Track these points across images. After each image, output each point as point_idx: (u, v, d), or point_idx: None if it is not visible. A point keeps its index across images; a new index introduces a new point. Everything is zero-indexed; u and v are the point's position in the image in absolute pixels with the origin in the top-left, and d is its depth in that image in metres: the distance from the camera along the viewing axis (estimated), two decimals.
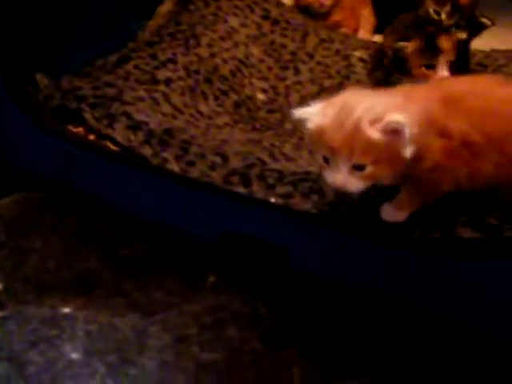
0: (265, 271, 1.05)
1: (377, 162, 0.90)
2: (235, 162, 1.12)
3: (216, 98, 1.34)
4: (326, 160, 0.91)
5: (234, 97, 1.34)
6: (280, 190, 1.07)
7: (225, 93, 1.35)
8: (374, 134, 0.89)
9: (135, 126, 1.19)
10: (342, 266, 1.02)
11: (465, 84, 1.03)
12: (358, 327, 0.99)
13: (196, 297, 1.03)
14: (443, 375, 0.95)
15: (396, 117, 0.88)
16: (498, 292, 0.97)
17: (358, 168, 0.90)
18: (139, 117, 1.21)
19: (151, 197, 1.13)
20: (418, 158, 0.92)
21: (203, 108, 1.30)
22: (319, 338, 0.98)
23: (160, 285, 1.04)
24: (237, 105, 1.33)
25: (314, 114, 0.92)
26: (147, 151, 1.15)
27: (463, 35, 1.32)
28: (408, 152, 0.90)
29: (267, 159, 1.13)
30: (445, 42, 1.26)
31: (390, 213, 1.01)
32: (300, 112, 0.94)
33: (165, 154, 1.15)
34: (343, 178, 0.91)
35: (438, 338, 0.98)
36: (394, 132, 0.88)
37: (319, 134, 0.91)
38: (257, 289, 1.04)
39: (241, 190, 1.08)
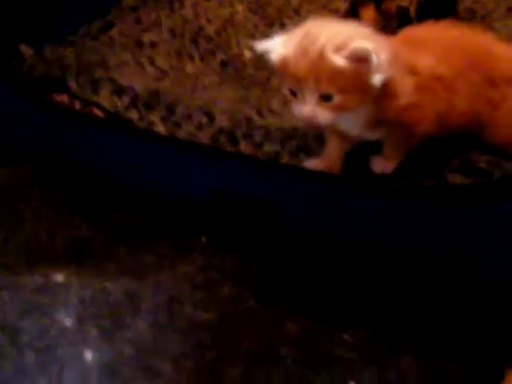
0: (256, 229, 1.04)
1: (344, 90, 0.87)
2: (222, 121, 1.11)
3: (202, 59, 1.32)
4: (293, 93, 0.89)
5: (221, 56, 1.32)
6: (267, 148, 1.06)
7: (211, 52, 1.33)
8: (339, 61, 0.86)
9: (120, 91, 1.17)
10: (333, 219, 1.01)
11: (423, 28, 1.03)
12: (353, 280, 0.98)
13: (188, 258, 1.02)
14: (440, 324, 0.94)
15: (362, 43, 0.86)
16: (491, 236, 0.95)
17: (325, 98, 0.88)
18: (124, 81, 1.19)
19: (139, 161, 1.12)
20: (391, 94, 0.91)
21: (190, 69, 1.29)
22: (314, 292, 0.97)
23: (151, 248, 1.04)
24: (224, 64, 1.30)
25: (276, 46, 0.90)
26: (133, 115, 1.14)
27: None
28: (377, 80, 0.88)
29: (254, 116, 1.11)
30: (366, 13, 1.25)
31: (379, 164, 1.00)
32: (263, 44, 0.91)
33: (151, 117, 1.13)
34: (311, 110, 0.88)
35: (434, 287, 0.96)
36: (361, 59, 0.86)
37: (283, 65, 0.89)
38: (249, 247, 1.03)
39: (228, 149, 1.07)
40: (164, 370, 0.89)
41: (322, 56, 0.86)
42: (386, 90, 0.90)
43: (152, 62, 1.27)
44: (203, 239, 1.05)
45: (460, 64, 0.97)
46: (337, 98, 0.87)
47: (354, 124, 0.95)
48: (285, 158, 1.05)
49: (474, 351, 0.91)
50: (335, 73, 0.86)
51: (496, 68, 0.99)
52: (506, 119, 1.00)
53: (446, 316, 0.94)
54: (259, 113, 1.12)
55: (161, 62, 1.28)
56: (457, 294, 0.96)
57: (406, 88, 0.92)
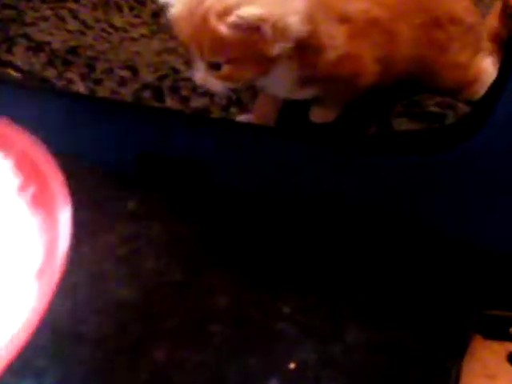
0: (187, 191, 0.94)
1: (233, 60, 0.77)
2: (146, 75, 1.00)
3: (132, 9, 1.20)
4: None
5: (152, 6, 1.20)
6: (195, 103, 0.95)
7: (141, 2, 1.22)
8: (223, 29, 0.75)
9: (36, 48, 1.06)
10: (272, 176, 0.90)
11: None
12: (293, 242, 0.87)
13: (112, 227, 0.91)
14: (390, 290, 0.84)
15: (249, 10, 0.74)
16: (444, 187, 0.85)
17: (213, 67, 0.78)
18: (40, 37, 1.08)
19: (60, 123, 1.01)
20: (317, 49, 0.80)
21: (117, 21, 1.17)
22: (249, 259, 0.87)
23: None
24: (155, 14, 1.19)
25: (175, 1, 0.79)
26: (50, 73, 1.03)
27: None
28: (277, 49, 0.76)
29: (182, 67, 1.00)
30: None
31: (319, 114, 0.90)
32: None
33: (69, 75, 1.02)
34: (201, 77, 0.80)
35: (382, 249, 0.87)
36: (250, 28, 0.74)
37: (174, 24, 0.79)
38: (178, 212, 0.93)
39: (153, 105, 0.97)
40: (83, 354, 0.79)
41: (204, 21, 0.75)
42: (311, 46, 0.79)
43: (74, 16, 1.15)
44: (129, 206, 0.94)
45: (399, 5, 0.86)
46: (225, 68, 0.77)
47: (277, 87, 0.85)
48: (214, 113, 0.94)
49: (429, 318, 0.81)
50: (219, 41, 0.75)
51: (440, 8, 0.89)
52: (454, 62, 0.90)
53: (396, 280, 0.85)
54: (187, 63, 1.01)
55: (85, 14, 1.16)
56: (407, 256, 0.86)
57: (335, 39, 0.81)
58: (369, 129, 0.89)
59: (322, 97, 0.88)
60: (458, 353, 0.79)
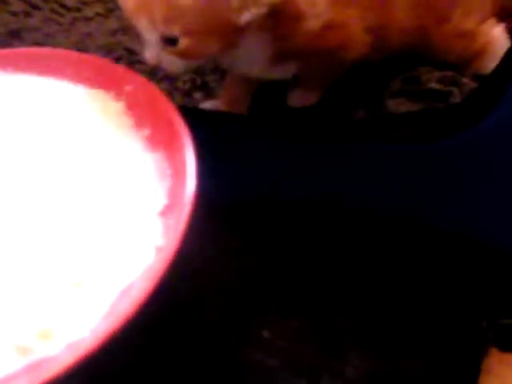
0: None
1: (193, 32, 0.63)
2: None
3: None
4: None
5: None
6: None
7: None
8: None
9: None
10: (241, 170, 0.75)
11: None
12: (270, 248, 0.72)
13: None
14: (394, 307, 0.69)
15: None
16: (452, 180, 0.71)
17: (168, 41, 0.64)
18: None
19: None
20: (294, 18, 0.66)
21: (69, 0, 1.02)
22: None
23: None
24: None
25: None
26: None
27: None
28: (245, 17, 0.62)
29: (138, 48, 0.86)
30: None
31: (298, 97, 0.76)
32: None
33: None
34: (153, 56, 0.65)
35: (383, 258, 0.71)
36: None
37: None
38: None
39: None
40: None
41: None
42: (287, 14, 0.65)
43: None
44: None
45: None
46: (183, 42, 0.63)
47: (247, 64, 0.71)
48: (176, 99, 0.80)
49: (439, 337, 0.66)
50: (175, 8, 0.61)
51: None
52: (458, 30, 0.76)
53: (400, 292, 0.69)
54: None
55: None
56: (411, 263, 0.71)
57: (317, 5, 0.67)
58: (356, 113, 0.75)
59: (302, 76, 0.74)
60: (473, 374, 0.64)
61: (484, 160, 0.69)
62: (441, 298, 0.68)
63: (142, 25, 0.64)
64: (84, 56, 0.69)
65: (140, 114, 0.63)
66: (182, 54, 0.65)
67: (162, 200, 0.57)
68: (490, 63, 0.73)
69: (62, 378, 0.46)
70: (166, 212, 0.55)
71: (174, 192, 0.56)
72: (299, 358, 0.62)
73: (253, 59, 0.69)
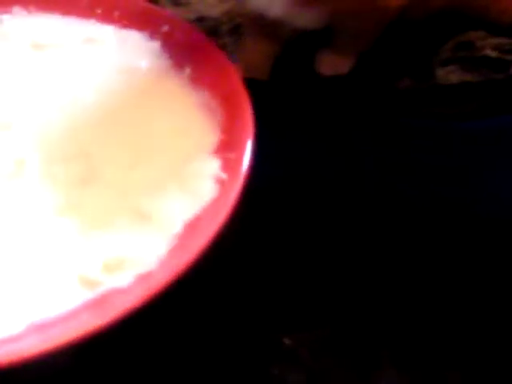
0: None
1: None
2: None
3: None
4: None
5: None
6: None
7: None
8: None
9: None
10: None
11: None
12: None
13: None
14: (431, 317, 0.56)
15: None
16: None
17: None
18: None
19: None
20: None
21: None
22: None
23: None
24: None
25: None
26: None
27: None
28: None
29: None
30: None
31: (329, 62, 0.66)
32: None
33: None
34: None
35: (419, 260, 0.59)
36: None
37: None
38: None
39: None
40: None
41: None
42: None
43: None
44: None
45: None
46: None
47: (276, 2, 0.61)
48: None
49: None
50: None
51: None
52: None
53: (440, 299, 0.56)
54: None
55: None
56: (453, 263, 0.58)
57: None
58: (400, 82, 0.67)
59: (333, 34, 0.65)
60: None
61: None
62: (483, 307, 0.56)
63: None
64: None
65: (179, 53, 0.61)
66: None
67: (217, 136, 0.54)
68: None
69: (133, 313, 0.43)
70: (224, 147, 0.53)
71: (230, 128, 0.54)
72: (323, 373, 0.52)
73: None
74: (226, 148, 0.53)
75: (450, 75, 0.66)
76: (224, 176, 0.51)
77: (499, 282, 0.55)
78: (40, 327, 0.43)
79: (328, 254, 0.57)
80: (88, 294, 0.45)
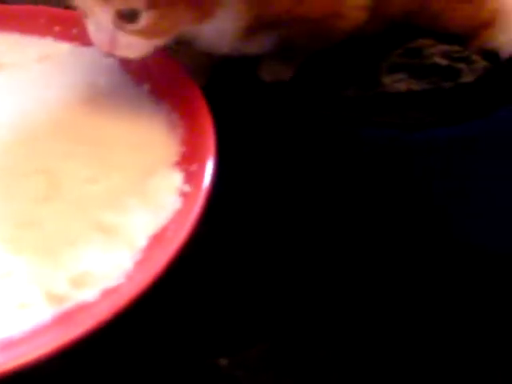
0: None
1: (160, 2, 0.51)
2: None
3: None
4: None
5: None
6: None
7: None
8: None
9: None
10: None
11: None
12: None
13: None
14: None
15: None
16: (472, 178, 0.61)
17: (126, 18, 0.52)
18: None
19: None
20: None
21: None
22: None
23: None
24: None
25: None
26: None
27: None
28: None
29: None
30: None
31: (271, 69, 0.64)
32: None
33: None
34: (108, 39, 0.53)
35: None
36: None
37: None
38: None
39: None
40: None
41: None
42: None
43: None
44: None
45: None
46: (146, 17, 0.51)
47: (218, 39, 0.59)
48: None
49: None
50: None
51: None
52: None
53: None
54: None
55: None
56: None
57: None
58: (345, 91, 0.64)
59: (280, 49, 0.63)
60: None
61: (502, 156, 0.61)
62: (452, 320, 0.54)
63: (93, 3, 0.52)
64: (70, 13, 0.65)
65: (137, 68, 0.59)
66: (145, 33, 0.52)
67: (178, 148, 0.55)
68: (501, 35, 0.66)
69: (100, 328, 0.43)
70: (185, 159, 0.53)
71: (190, 140, 0.54)
72: None
73: (224, 33, 0.58)
74: (188, 160, 0.53)
75: (398, 83, 0.64)
76: (187, 188, 0.51)
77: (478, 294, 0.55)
78: (6, 345, 0.43)
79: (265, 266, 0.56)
80: (55, 310, 0.44)
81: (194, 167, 0.52)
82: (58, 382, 0.48)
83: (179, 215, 0.49)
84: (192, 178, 0.51)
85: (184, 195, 0.50)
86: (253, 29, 0.57)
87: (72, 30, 0.63)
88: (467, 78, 0.63)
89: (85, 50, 0.63)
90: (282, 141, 0.63)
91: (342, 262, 0.56)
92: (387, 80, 0.64)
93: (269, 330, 0.52)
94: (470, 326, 0.53)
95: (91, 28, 0.54)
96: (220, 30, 0.57)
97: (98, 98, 0.59)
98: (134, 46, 0.54)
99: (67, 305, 0.45)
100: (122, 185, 0.52)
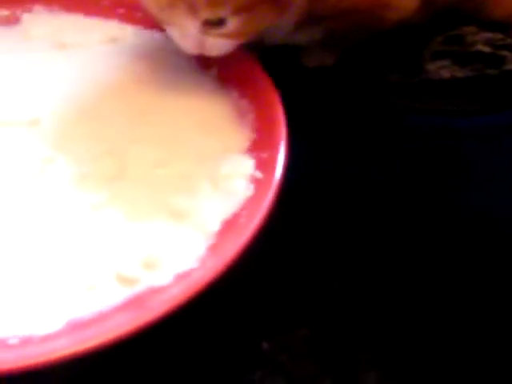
0: None
1: (245, 7, 0.53)
2: None
3: None
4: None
5: None
6: None
7: None
8: None
9: None
10: None
11: None
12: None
13: None
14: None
15: None
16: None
17: (214, 24, 0.54)
18: None
19: None
20: None
21: None
22: None
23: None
24: None
25: None
26: None
27: None
28: None
29: None
30: None
31: (314, 56, 0.64)
32: None
33: None
34: (197, 44, 0.55)
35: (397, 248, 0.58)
36: None
37: None
38: None
39: None
40: None
41: None
42: None
43: None
44: None
45: None
46: (233, 22, 0.53)
47: (274, 31, 0.60)
48: None
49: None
50: None
51: None
52: None
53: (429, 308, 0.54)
54: None
55: None
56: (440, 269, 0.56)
57: None
58: (389, 77, 0.64)
59: (326, 38, 0.63)
60: None
61: None
62: (470, 313, 0.53)
63: (179, 15, 0.53)
64: None
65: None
66: (232, 35, 0.55)
67: (248, 135, 0.53)
68: None
69: (172, 313, 0.41)
70: (256, 146, 0.52)
71: (261, 127, 0.53)
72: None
73: (280, 27, 0.59)
74: (260, 147, 0.52)
75: (441, 70, 0.63)
76: (259, 175, 0.50)
77: (480, 284, 0.54)
78: (78, 326, 0.42)
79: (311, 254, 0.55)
80: (126, 292, 0.43)
81: (265, 154, 0.51)
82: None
83: (252, 202, 0.48)
84: (264, 164, 0.50)
85: (256, 182, 0.49)
86: (303, 22, 0.59)
87: (136, 12, 0.62)
88: (511, 66, 0.63)
89: (149, 33, 0.62)
90: (325, 127, 0.62)
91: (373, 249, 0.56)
92: (431, 67, 0.64)
93: (310, 315, 0.52)
94: (477, 308, 0.53)
95: (175, 34, 0.55)
96: (278, 25, 0.58)
97: (162, 82, 0.58)
98: (221, 46, 0.56)
99: (139, 288, 0.44)
100: (191, 169, 0.51)
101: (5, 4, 0.63)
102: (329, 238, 0.56)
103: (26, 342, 0.41)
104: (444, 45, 0.65)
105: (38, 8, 0.64)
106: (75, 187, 0.49)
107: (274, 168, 0.49)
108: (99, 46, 0.61)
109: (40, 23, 0.62)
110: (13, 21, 0.63)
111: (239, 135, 0.53)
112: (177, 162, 0.51)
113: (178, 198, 0.48)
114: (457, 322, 0.52)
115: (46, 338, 0.41)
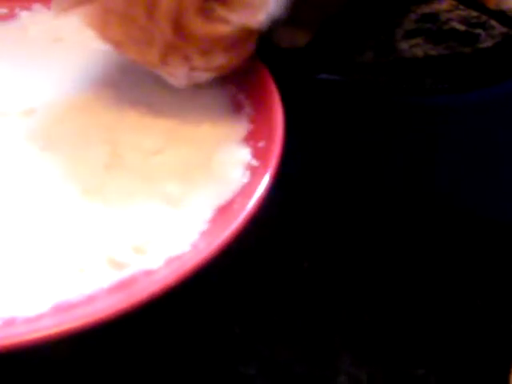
0: None
1: (232, 45, 0.53)
2: None
3: None
4: None
5: None
6: None
7: None
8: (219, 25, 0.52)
9: None
10: None
11: None
12: None
13: None
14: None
15: None
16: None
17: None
18: None
19: None
20: None
21: None
22: None
23: None
24: None
25: None
26: None
27: None
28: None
29: None
30: None
31: (287, 35, 0.62)
32: None
33: None
34: (186, 81, 0.55)
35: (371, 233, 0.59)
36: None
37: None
38: None
39: None
40: None
41: (177, 26, 0.51)
42: None
43: None
44: None
45: None
46: (221, 56, 0.54)
47: None
48: None
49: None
50: (215, 38, 0.52)
51: None
52: None
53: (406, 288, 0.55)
54: None
55: None
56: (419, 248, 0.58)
57: None
58: (362, 56, 0.62)
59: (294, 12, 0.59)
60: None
61: None
62: (453, 294, 0.55)
63: (171, 65, 0.54)
64: None
65: None
66: (221, 68, 0.55)
67: (246, 126, 0.53)
68: None
69: (161, 295, 0.41)
70: (253, 136, 0.52)
71: (258, 118, 0.53)
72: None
73: None
74: (256, 136, 0.51)
75: (414, 48, 0.61)
76: (254, 163, 0.49)
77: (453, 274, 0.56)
78: (65, 308, 0.41)
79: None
80: (116, 275, 0.43)
81: (261, 143, 0.50)
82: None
83: (246, 188, 0.47)
84: (260, 153, 0.50)
85: (251, 169, 0.49)
86: None
87: None
88: (485, 44, 0.61)
89: None
90: (298, 108, 0.59)
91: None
92: (404, 45, 0.62)
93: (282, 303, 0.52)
94: (470, 294, 0.54)
95: (164, 75, 0.55)
96: None
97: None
98: (208, 76, 0.55)
99: (129, 271, 0.43)
100: (187, 157, 0.50)
101: (3, 2, 0.64)
102: (322, 228, 0.57)
103: (9, 323, 0.40)
104: (417, 23, 0.64)
105: (36, 6, 0.64)
106: (69, 174, 0.49)
107: (270, 156, 0.48)
108: (96, 42, 0.61)
109: (38, 21, 0.63)
110: (11, 18, 0.64)
111: (236, 125, 0.53)
112: (172, 151, 0.51)
113: (173, 185, 0.48)
114: (434, 304, 0.53)
115: (30, 320, 0.40)
